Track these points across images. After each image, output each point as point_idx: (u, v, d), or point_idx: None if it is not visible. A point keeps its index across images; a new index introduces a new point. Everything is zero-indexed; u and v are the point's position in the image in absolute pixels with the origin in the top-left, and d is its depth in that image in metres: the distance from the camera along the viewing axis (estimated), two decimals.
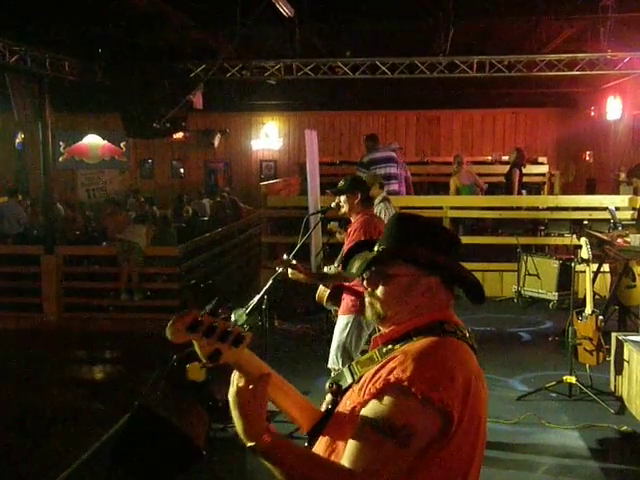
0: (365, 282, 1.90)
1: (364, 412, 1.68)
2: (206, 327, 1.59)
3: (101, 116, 17.24)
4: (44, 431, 6.00)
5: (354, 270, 1.93)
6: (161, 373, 5.58)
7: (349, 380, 1.89)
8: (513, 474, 5.00)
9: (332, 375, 5.16)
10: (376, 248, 1.93)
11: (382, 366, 1.74)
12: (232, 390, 1.70)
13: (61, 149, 18.04)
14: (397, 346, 1.79)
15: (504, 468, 5.00)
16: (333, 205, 5.57)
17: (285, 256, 5.00)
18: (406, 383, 1.63)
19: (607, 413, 5.90)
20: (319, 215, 6.22)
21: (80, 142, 18.26)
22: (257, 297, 5.04)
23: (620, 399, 6.16)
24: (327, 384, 1.97)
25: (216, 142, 17.88)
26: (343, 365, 5.05)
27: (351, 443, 1.65)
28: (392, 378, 1.66)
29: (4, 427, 6.16)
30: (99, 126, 18.04)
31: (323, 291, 5.32)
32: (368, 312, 1.91)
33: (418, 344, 1.75)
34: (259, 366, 1.79)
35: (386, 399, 1.65)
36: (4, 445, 5.76)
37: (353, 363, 1.92)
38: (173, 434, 4.78)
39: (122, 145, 18.16)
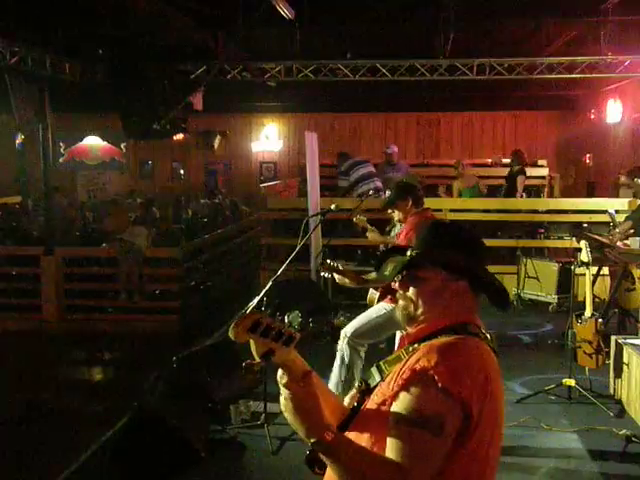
0: (398, 284, 2.01)
1: (396, 406, 1.76)
2: (264, 328, 1.72)
3: (101, 117, 17.23)
4: (43, 432, 5.99)
5: (387, 273, 2.03)
6: (161, 374, 5.60)
7: (377, 379, 1.96)
8: (512, 477, 4.99)
9: (340, 340, 5.21)
10: (409, 252, 2.03)
11: (408, 359, 1.84)
12: (285, 393, 1.76)
13: (61, 150, 18.06)
14: (423, 344, 1.89)
15: (503, 471, 4.99)
16: (333, 207, 5.60)
17: (329, 261, 5.08)
18: (431, 372, 1.72)
19: (606, 416, 5.89)
20: (319, 217, 6.24)
21: (80, 143, 18.29)
22: (256, 299, 5.06)
23: (619, 402, 6.15)
24: (356, 383, 2.05)
25: (216, 144, 17.88)
26: (351, 337, 5.16)
27: (391, 438, 1.73)
28: (418, 367, 1.76)
29: (3, 428, 6.15)
30: (99, 127, 18.05)
31: (373, 294, 5.38)
32: (399, 313, 2.01)
33: (442, 339, 1.85)
34: (302, 364, 1.86)
35: (413, 390, 1.74)
36: (3, 446, 5.75)
37: (381, 362, 1.99)
38: (172, 435, 4.79)
39: (122, 146, 18.18)
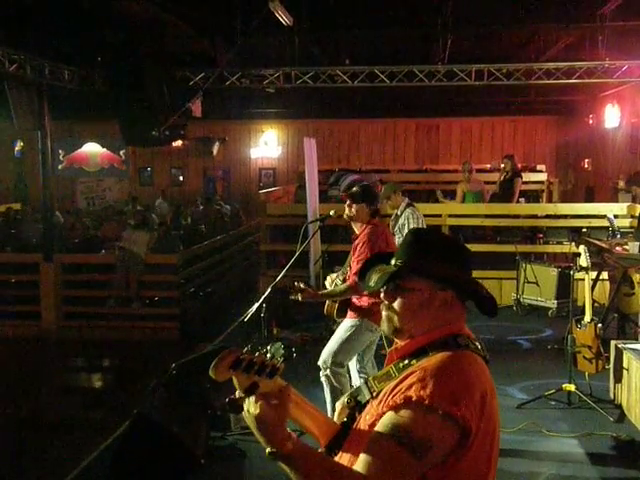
0: (383, 295, 1.94)
1: (381, 423, 1.72)
2: (246, 364, 1.70)
3: (100, 124, 17.26)
4: (43, 439, 5.98)
5: (372, 283, 1.96)
6: (160, 381, 5.58)
7: (367, 396, 1.92)
8: None
9: (322, 370, 5.17)
10: (393, 262, 1.97)
11: (401, 381, 1.78)
12: (260, 406, 1.68)
13: (60, 157, 18.07)
14: (413, 361, 1.84)
15: (503, 477, 4.99)
16: (332, 213, 5.58)
17: (296, 284, 5.02)
18: (427, 401, 1.67)
19: (606, 421, 5.88)
20: (318, 223, 6.23)
21: (79, 150, 18.31)
22: (256, 305, 5.05)
23: (619, 407, 6.14)
24: (345, 399, 2.01)
25: (215, 150, 17.90)
26: (331, 365, 5.06)
27: (367, 451, 1.69)
28: (413, 395, 1.70)
29: (3, 435, 6.14)
30: (98, 134, 18.09)
31: (331, 305, 5.31)
32: (384, 325, 1.95)
33: (435, 359, 1.79)
34: (280, 384, 1.82)
35: (405, 413, 1.69)
36: (2, 453, 5.74)
37: (370, 378, 1.96)
38: (172, 442, 4.78)
39: (121, 153, 18.20)
